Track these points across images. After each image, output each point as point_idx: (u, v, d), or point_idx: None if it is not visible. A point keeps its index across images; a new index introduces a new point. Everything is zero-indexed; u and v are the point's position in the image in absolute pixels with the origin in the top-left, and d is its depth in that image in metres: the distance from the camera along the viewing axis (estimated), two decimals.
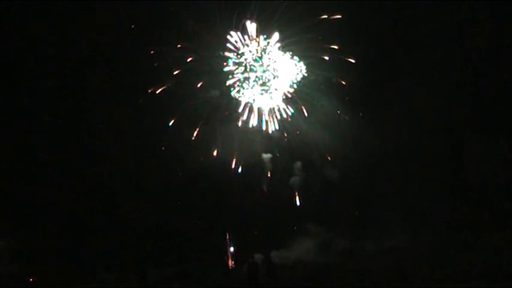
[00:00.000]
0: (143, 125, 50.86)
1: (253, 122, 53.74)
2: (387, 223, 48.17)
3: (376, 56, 49.93)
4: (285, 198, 51.06)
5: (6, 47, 49.26)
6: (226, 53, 53.16)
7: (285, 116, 53.44)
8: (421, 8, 48.98)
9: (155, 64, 50.52)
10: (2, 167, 48.98)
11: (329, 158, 51.52)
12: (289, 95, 53.76)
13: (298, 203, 52.25)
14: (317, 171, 51.47)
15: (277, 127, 53.57)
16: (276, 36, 52.46)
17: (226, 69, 53.38)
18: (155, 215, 49.94)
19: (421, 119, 49.86)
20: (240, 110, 53.51)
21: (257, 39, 52.83)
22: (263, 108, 53.52)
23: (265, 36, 52.80)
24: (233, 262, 50.54)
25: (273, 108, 53.54)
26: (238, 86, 53.28)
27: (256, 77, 53.38)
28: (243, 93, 53.24)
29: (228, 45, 53.17)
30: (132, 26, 50.22)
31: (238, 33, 53.05)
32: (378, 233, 48.62)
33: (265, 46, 53.09)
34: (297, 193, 52.18)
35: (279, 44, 52.72)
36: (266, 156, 52.64)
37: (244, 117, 53.66)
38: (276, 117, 53.81)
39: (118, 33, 49.59)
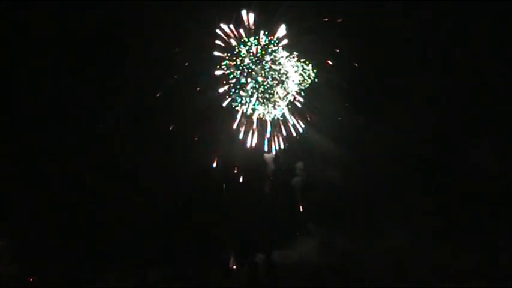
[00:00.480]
0: (144, 127, 50.23)
1: (253, 140, 47.35)
2: (388, 223, 48.24)
3: (377, 58, 49.68)
4: (287, 198, 50.63)
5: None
6: (218, 53, 46.66)
7: (294, 133, 47.10)
8: (422, 9, 48.91)
9: (154, 67, 48.54)
10: (2, 167, 48.87)
11: (331, 159, 49.32)
12: (299, 105, 46.89)
13: (300, 204, 50.00)
14: (319, 171, 50.03)
15: (282, 145, 47.37)
16: (282, 30, 45.26)
17: (218, 72, 46.82)
18: (156, 215, 49.77)
19: (422, 120, 49.85)
20: (235, 125, 46.97)
21: (257, 37, 46.42)
22: (264, 122, 47.09)
23: (266, 32, 46.06)
24: (233, 262, 50.39)
25: (278, 121, 47.49)
26: (233, 93, 46.99)
27: (256, 82, 46.82)
28: (239, 103, 47.12)
29: (219, 42, 46.64)
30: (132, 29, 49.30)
31: (231, 26, 46.25)
32: (379, 233, 48.62)
33: (267, 44, 46.18)
34: (299, 194, 50.15)
35: (284, 42, 45.70)
36: (268, 156, 49.72)
37: (241, 135, 47.38)
38: (281, 134, 47.48)
39: (117, 34, 49.15)
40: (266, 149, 47.33)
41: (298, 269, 47.83)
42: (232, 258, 50.25)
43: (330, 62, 47.59)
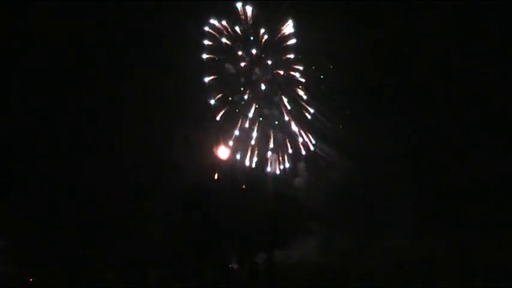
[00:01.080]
0: (144, 130, 49.93)
1: (252, 160, 40.70)
2: (389, 223, 48.33)
3: (376, 59, 49.57)
4: (289, 198, 50.19)
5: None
6: (208, 55, 38.90)
7: (303, 151, 39.83)
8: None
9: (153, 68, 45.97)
10: (3, 168, 48.92)
11: (332, 160, 47.43)
12: (309, 117, 39.42)
13: (301, 204, 47.27)
14: (321, 172, 48.84)
15: (287, 164, 40.42)
16: (288, 27, 37.73)
17: (207, 79, 39.33)
18: (156, 215, 49.78)
19: (422, 121, 49.93)
20: (231, 141, 39.74)
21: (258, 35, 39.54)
22: (267, 138, 40.06)
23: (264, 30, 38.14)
24: (234, 262, 50.35)
25: (282, 137, 40.89)
26: (229, 104, 39.76)
27: (255, 90, 39.74)
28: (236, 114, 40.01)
29: (209, 41, 39.00)
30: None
31: (224, 22, 38.13)
32: (379, 233, 48.66)
33: (268, 44, 38.70)
34: (301, 194, 47.60)
35: (291, 42, 37.81)
36: (271, 156, 45.67)
37: (238, 154, 40.55)
38: (287, 151, 40.56)
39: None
40: (269, 169, 41.15)
41: (299, 269, 47.88)
42: (232, 258, 50.25)
43: (334, 64, 42.99)
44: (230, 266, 50.04)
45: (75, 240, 49.12)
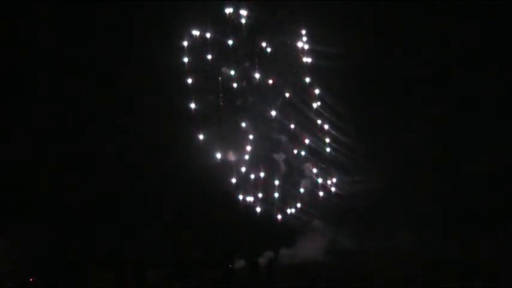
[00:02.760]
0: (143, 126, 49.85)
1: (255, 203, 34.18)
2: (389, 224, 48.36)
3: (375, 60, 49.57)
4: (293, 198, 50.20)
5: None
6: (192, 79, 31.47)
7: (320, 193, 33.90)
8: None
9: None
10: (2, 167, 48.74)
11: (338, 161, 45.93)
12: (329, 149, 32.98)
13: (306, 204, 44.94)
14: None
15: (298, 203, 34.14)
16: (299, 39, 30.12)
17: (193, 105, 32.12)
18: (156, 215, 49.68)
19: (422, 120, 50.04)
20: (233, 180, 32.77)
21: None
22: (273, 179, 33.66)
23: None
24: (234, 262, 50.36)
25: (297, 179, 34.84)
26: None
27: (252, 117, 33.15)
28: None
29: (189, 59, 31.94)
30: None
31: (209, 34, 30.45)
32: (380, 234, 48.70)
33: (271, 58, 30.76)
34: (306, 194, 45.52)
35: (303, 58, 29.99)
36: (277, 156, 42.24)
37: (239, 196, 34.61)
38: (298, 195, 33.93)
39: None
40: (279, 217, 35.30)
41: (300, 269, 47.94)
42: (233, 258, 50.27)
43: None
44: (230, 266, 50.05)
45: (75, 240, 49.09)
